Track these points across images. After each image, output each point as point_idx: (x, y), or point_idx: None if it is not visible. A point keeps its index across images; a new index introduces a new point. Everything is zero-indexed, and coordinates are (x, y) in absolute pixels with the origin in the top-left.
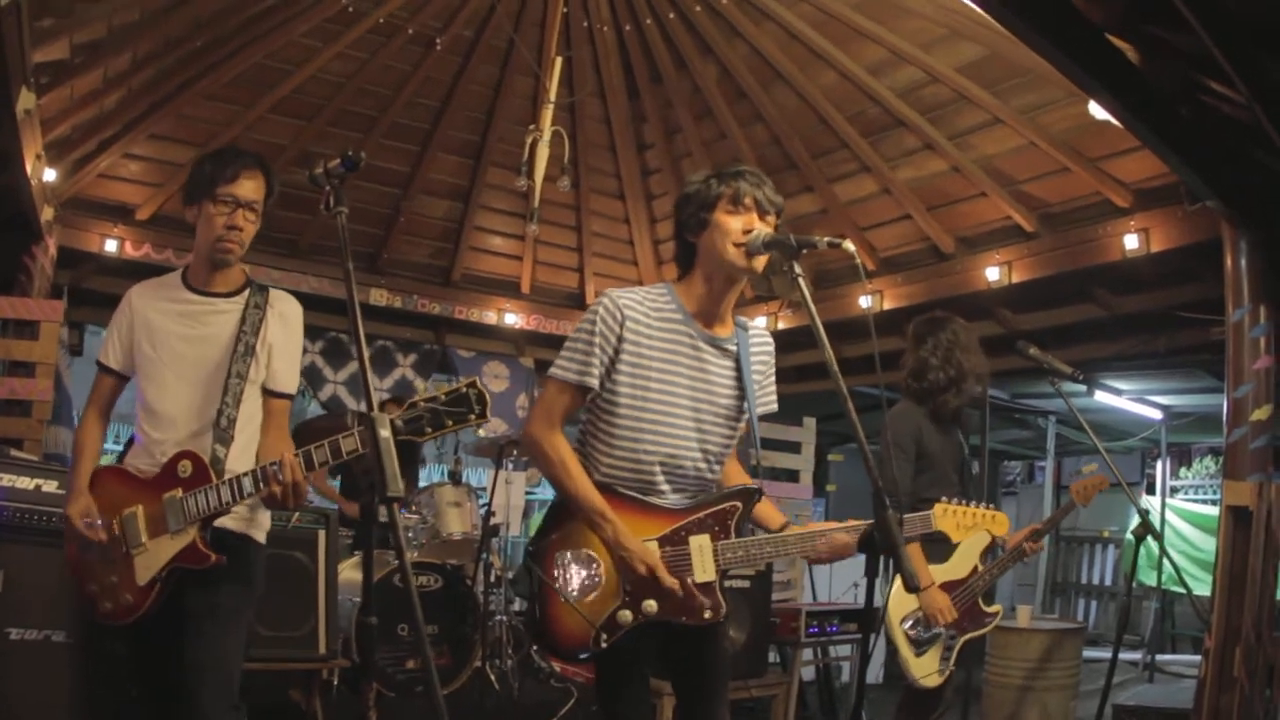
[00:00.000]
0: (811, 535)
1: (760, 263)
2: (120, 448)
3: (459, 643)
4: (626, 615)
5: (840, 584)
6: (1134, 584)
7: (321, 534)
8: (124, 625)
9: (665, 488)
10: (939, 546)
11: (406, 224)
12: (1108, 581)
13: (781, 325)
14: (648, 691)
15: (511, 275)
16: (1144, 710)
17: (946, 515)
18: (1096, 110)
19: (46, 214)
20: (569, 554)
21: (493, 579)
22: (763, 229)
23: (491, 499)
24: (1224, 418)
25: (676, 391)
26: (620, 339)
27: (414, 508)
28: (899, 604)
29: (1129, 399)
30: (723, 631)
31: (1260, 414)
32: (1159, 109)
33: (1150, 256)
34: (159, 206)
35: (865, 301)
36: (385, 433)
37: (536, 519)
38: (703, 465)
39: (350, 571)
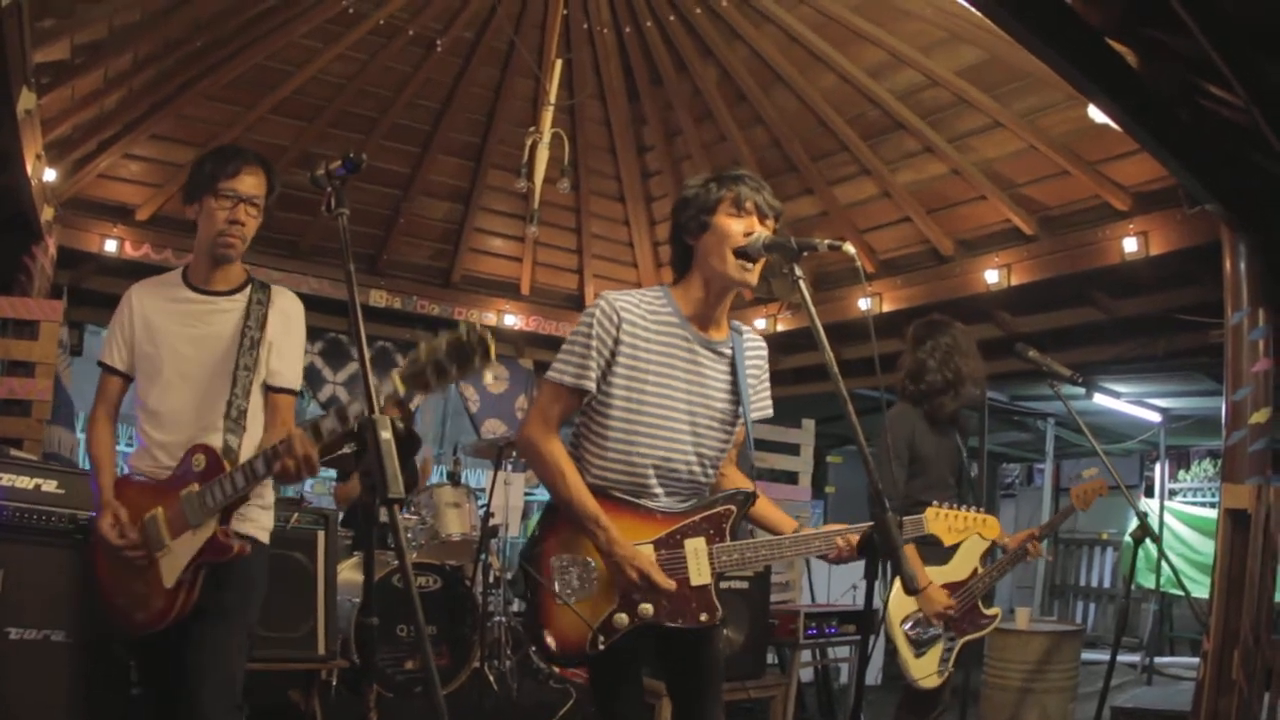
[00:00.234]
0: (806, 539)
1: (754, 276)
2: (131, 449)
3: (458, 643)
4: (622, 618)
5: (839, 586)
6: (1132, 586)
7: (321, 534)
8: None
9: (658, 490)
10: (939, 549)
11: (406, 225)
12: (1106, 584)
13: (781, 327)
14: (642, 692)
15: (511, 277)
16: (1142, 713)
17: (938, 519)
18: (1095, 114)
19: (46, 214)
20: (565, 557)
21: (491, 580)
22: (763, 232)
23: (490, 500)
24: (1223, 420)
25: (672, 395)
26: (617, 341)
27: (413, 509)
28: (899, 605)
29: (1128, 402)
30: (717, 633)
31: (1259, 417)
32: (1158, 112)
33: (1149, 259)
34: (159, 207)
35: (864, 304)
36: (386, 434)
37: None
38: (697, 469)
39: (349, 572)
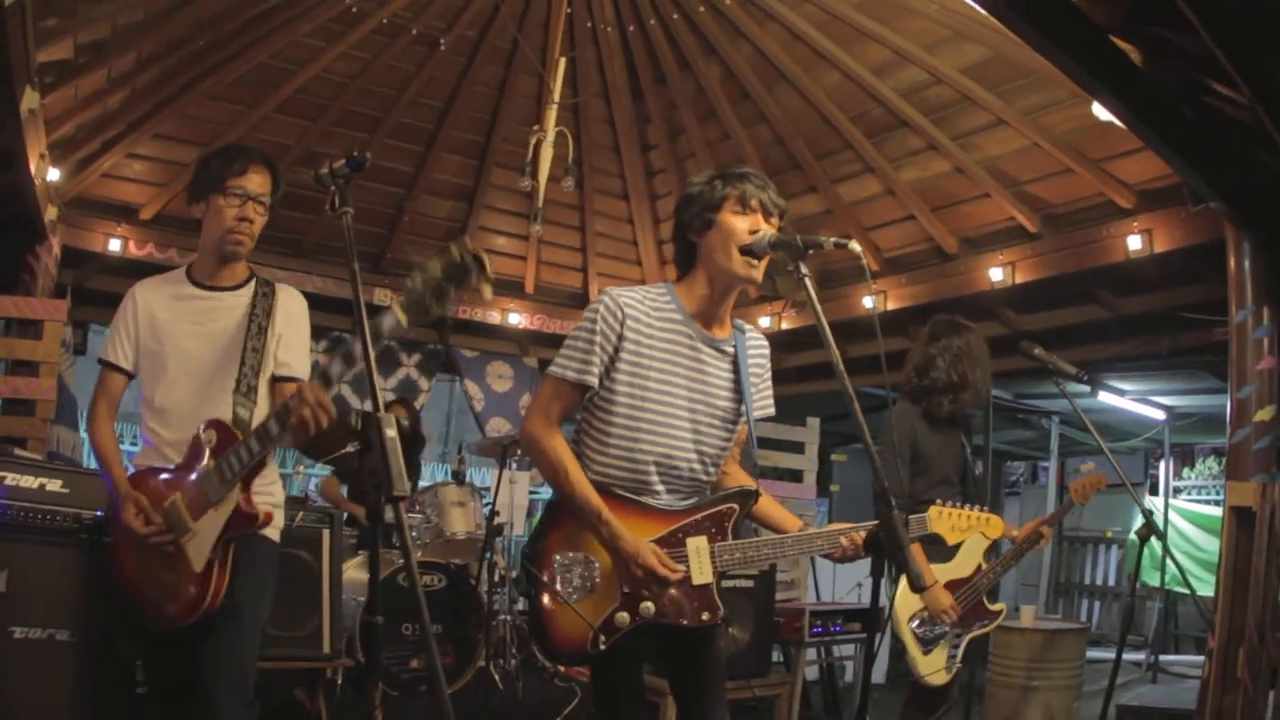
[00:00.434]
0: (809, 537)
1: (760, 273)
2: (135, 449)
3: (463, 642)
4: (624, 617)
5: (844, 584)
6: (1137, 584)
7: (326, 533)
8: (187, 626)
9: (660, 488)
10: (943, 546)
11: (410, 224)
12: (1111, 582)
13: (785, 325)
14: (644, 691)
15: (515, 275)
16: (1147, 711)
17: (942, 518)
18: (1100, 111)
19: (50, 213)
20: (567, 555)
21: (496, 578)
22: (768, 230)
23: (495, 498)
24: (1227, 418)
25: (674, 392)
26: (620, 338)
27: (418, 507)
28: (906, 603)
29: (1132, 399)
30: (719, 632)
31: (1263, 414)
32: (1162, 110)
33: (1153, 257)
34: (163, 206)
35: (869, 302)
36: (391, 432)
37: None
38: (698, 467)
39: (354, 571)
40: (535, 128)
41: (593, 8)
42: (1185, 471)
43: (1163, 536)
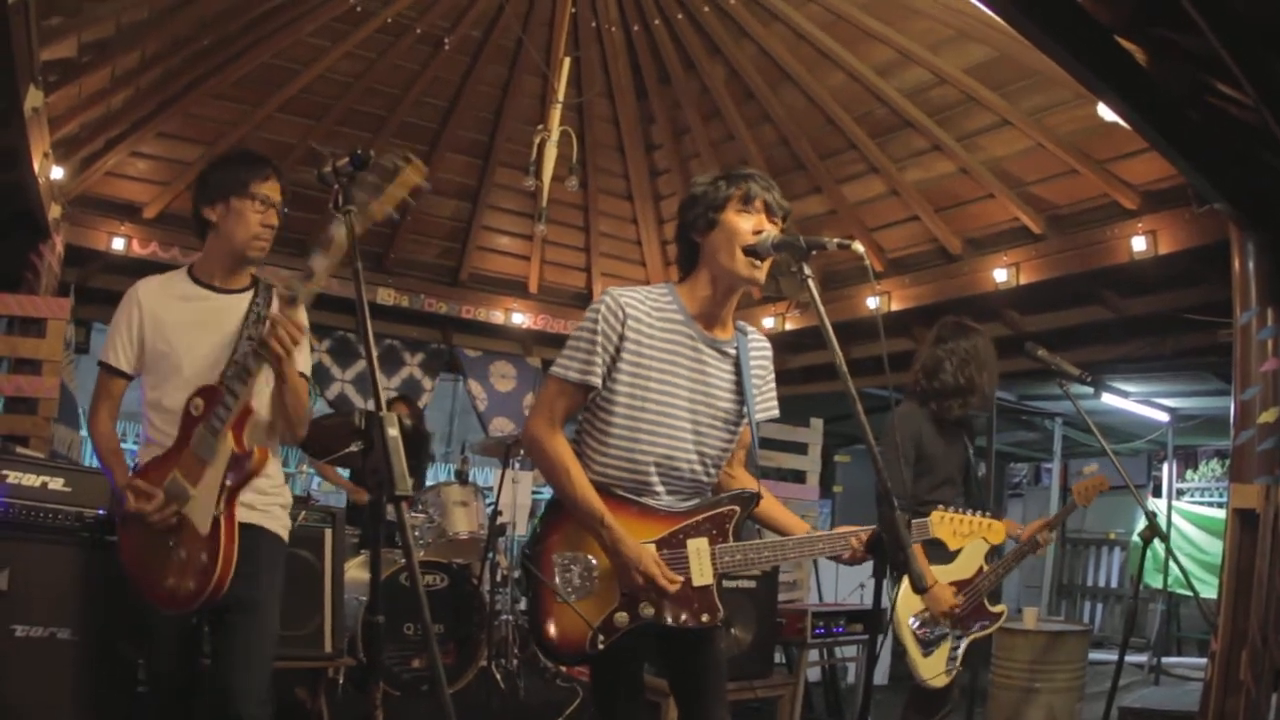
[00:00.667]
0: (811, 540)
1: (763, 274)
2: (136, 448)
3: (464, 642)
4: (623, 617)
5: (846, 585)
6: (1140, 586)
7: (328, 532)
8: (195, 609)
9: (660, 489)
10: (943, 548)
11: (414, 223)
12: (1114, 584)
13: (789, 326)
14: (643, 691)
15: (519, 275)
16: (1150, 713)
17: (944, 523)
18: (1105, 112)
19: (54, 212)
20: (566, 555)
21: (499, 578)
22: (772, 230)
23: (498, 498)
24: (1231, 420)
25: (675, 393)
26: (622, 338)
27: (421, 507)
28: (907, 604)
29: (1136, 401)
30: (720, 633)
31: (1268, 416)
32: (1167, 111)
33: (1158, 258)
34: (166, 205)
35: (873, 302)
36: (393, 431)
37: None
38: (698, 468)
39: (356, 570)
40: (539, 127)
41: (597, 7)
42: (1188, 473)
43: (1166, 538)
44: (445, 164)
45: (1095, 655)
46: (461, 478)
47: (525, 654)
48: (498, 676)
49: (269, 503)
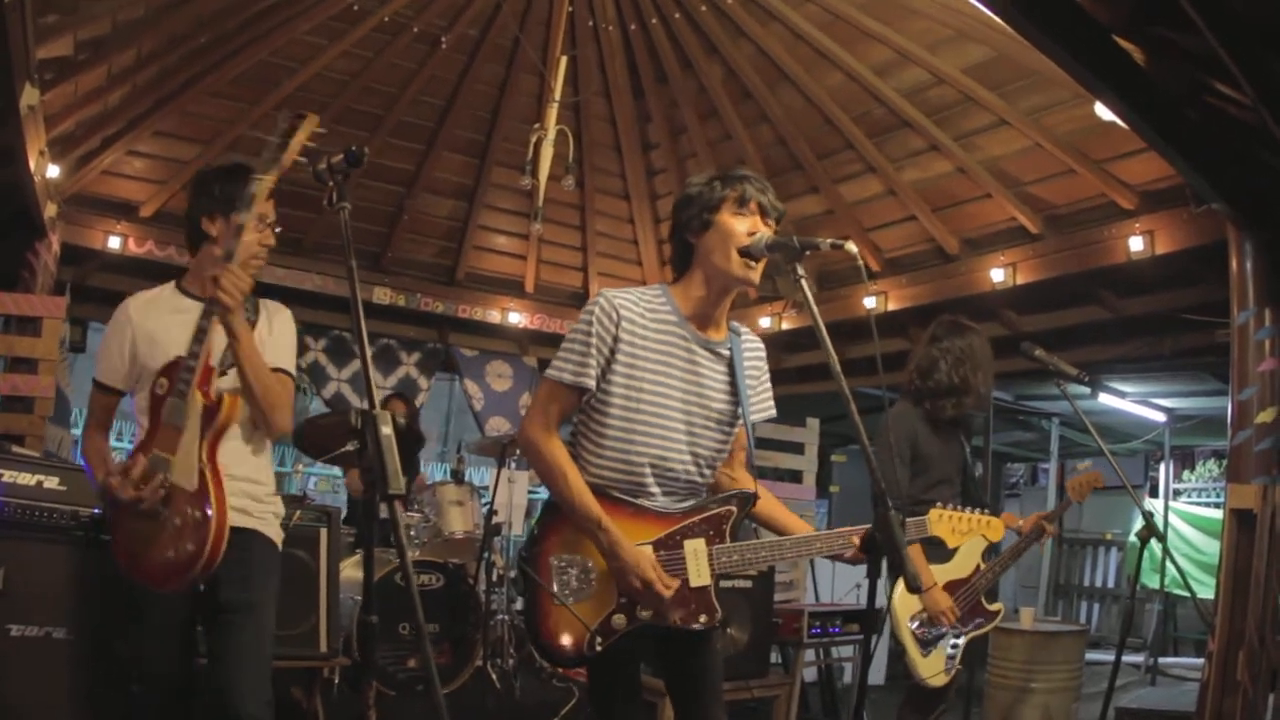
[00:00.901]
0: (808, 540)
1: (757, 274)
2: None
3: (460, 642)
4: (621, 620)
5: (843, 585)
6: (1137, 586)
7: (323, 532)
8: (189, 583)
9: (655, 490)
10: (940, 548)
11: (411, 223)
12: (1110, 584)
13: (785, 326)
14: (640, 693)
15: (515, 274)
16: (1146, 713)
17: (942, 520)
18: (1102, 111)
19: (50, 210)
20: (563, 558)
21: (495, 578)
22: (765, 232)
23: (494, 498)
24: (1228, 420)
25: (669, 394)
26: (616, 339)
27: (416, 506)
28: (905, 604)
29: (1133, 401)
30: (717, 633)
31: (1265, 416)
32: (1165, 110)
33: (1155, 259)
34: (163, 204)
35: (870, 302)
36: (387, 430)
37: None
38: (693, 469)
39: (352, 570)
40: (536, 126)
41: (594, 6)
42: (1185, 474)
43: (1163, 538)
44: (442, 163)
45: (1092, 655)
46: (457, 477)
47: (521, 654)
48: (493, 676)
49: (263, 510)
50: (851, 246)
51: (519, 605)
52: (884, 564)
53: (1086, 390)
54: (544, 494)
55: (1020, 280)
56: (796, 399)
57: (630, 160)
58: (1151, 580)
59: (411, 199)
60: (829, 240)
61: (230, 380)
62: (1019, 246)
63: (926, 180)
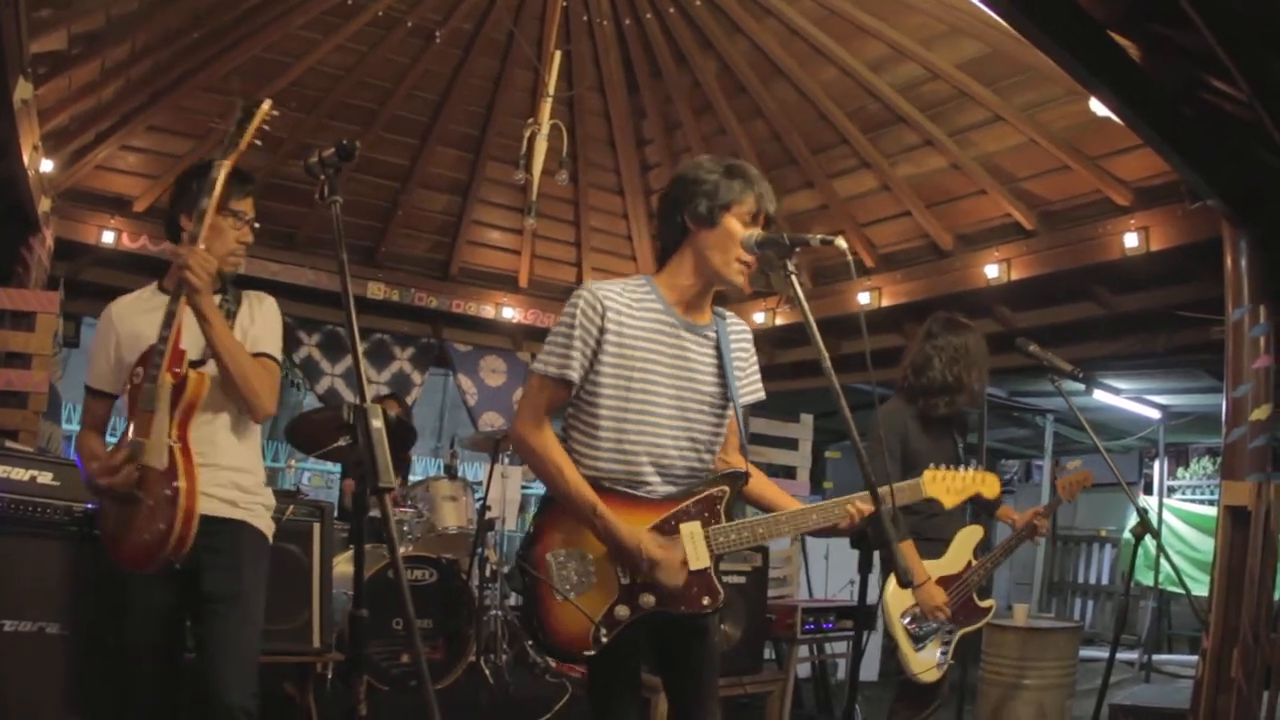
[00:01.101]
0: (804, 513)
1: (748, 280)
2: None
3: (453, 637)
4: (624, 610)
5: (836, 581)
6: (1131, 583)
7: (316, 527)
8: (169, 563)
9: (654, 480)
10: (933, 544)
11: (405, 218)
12: (1105, 581)
13: (779, 321)
14: (640, 688)
15: (509, 269)
16: (1140, 710)
17: (936, 481)
18: (1097, 107)
19: (44, 205)
20: (561, 553)
21: (488, 574)
22: (755, 230)
23: (487, 493)
24: (1223, 417)
25: (659, 380)
26: (602, 330)
27: (410, 502)
28: (897, 600)
29: (1127, 398)
30: (714, 627)
31: (1259, 414)
32: (1161, 106)
33: (1150, 255)
34: (156, 198)
35: (864, 298)
36: (377, 423)
37: (531, 515)
38: (690, 454)
39: (345, 565)
40: (530, 121)
41: (588, 2)
42: (1180, 471)
43: (1157, 535)
44: (436, 158)
45: (1086, 652)
46: (451, 472)
47: (514, 649)
48: (486, 672)
49: (252, 501)
50: (841, 242)
51: (513, 601)
52: (875, 559)
53: (1081, 387)
54: (537, 489)
55: (1015, 276)
56: (790, 395)
57: (624, 155)
58: (1146, 577)
59: (405, 194)
60: (819, 236)
61: (213, 369)
62: (1013, 242)
63: (921, 176)
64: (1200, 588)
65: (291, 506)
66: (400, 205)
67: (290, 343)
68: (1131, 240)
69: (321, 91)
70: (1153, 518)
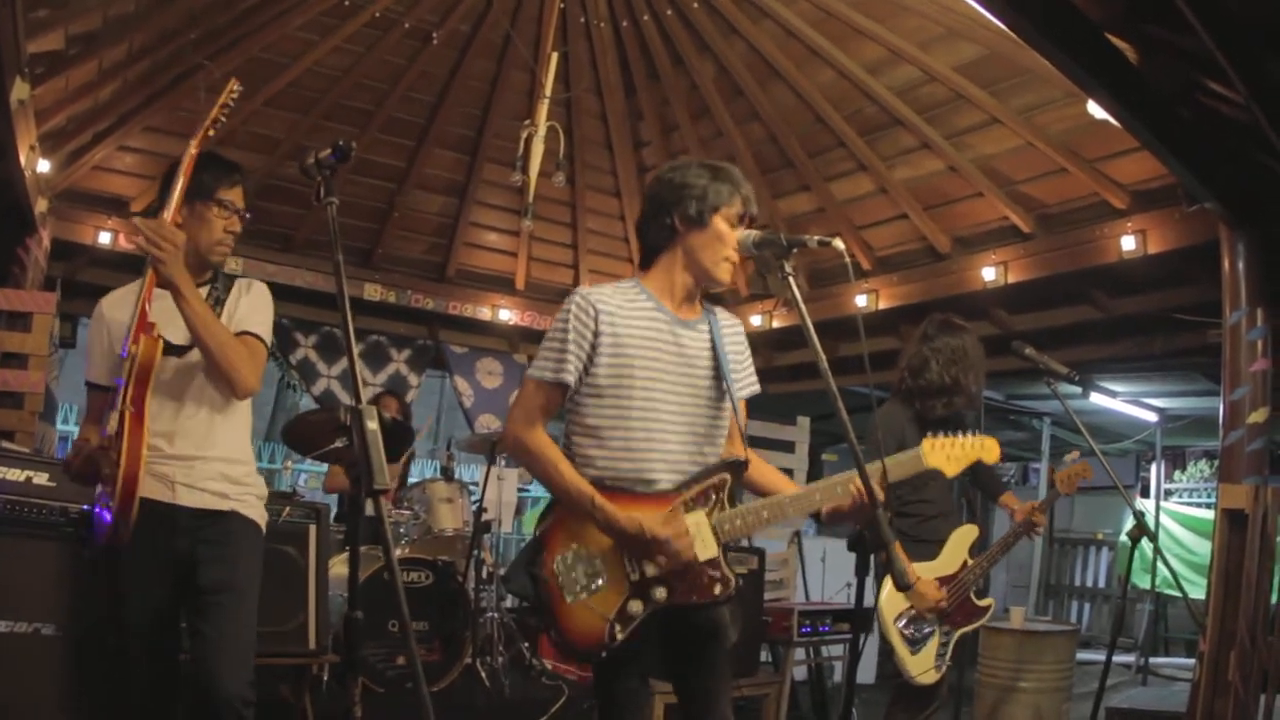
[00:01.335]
0: (808, 493)
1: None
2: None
3: (449, 639)
4: (637, 605)
5: (833, 584)
6: (1128, 586)
7: (312, 529)
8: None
9: (663, 476)
10: (927, 546)
11: (401, 219)
12: (1101, 584)
13: (776, 324)
14: (646, 692)
15: (506, 271)
16: (1137, 713)
17: (936, 449)
18: (1095, 110)
19: (40, 206)
20: (567, 555)
21: (484, 575)
22: (753, 231)
23: (484, 495)
24: (1220, 420)
25: (659, 376)
26: (596, 334)
27: (406, 503)
28: (892, 603)
29: (1124, 401)
30: (727, 630)
31: (1257, 416)
32: (1158, 109)
33: (1147, 258)
34: (153, 200)
35: (861, 301)
36: (373, 425)
37: (529, 516)
38: (695, 449)
39: (342, 567)
40: (527, 122)
41: (586, 3)
42: (1176, 474)
43: (1154, 538)
44: (432, 159)
45: (1083, 655)
46: (447, 474)
47: (510, 651)
48: (482, 674)
49: (243, 492)
50: (839, 244)
51: (509, 603)
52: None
53: (1078, 390)
54: (534, 491)
55: (1011, 279)
56: (787, 397)
57: (621, 157)
58: (1142, 580)
59: (402, 195)
60: (816, 237)
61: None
62: (1010, 245)
63: (918, 178)
64: (1197, 591)
65: (288, 508)
66: (397, 207)
67: (287, 344)
68: (1129, 243)
69: (318, 93)
70: (1150, 521)
